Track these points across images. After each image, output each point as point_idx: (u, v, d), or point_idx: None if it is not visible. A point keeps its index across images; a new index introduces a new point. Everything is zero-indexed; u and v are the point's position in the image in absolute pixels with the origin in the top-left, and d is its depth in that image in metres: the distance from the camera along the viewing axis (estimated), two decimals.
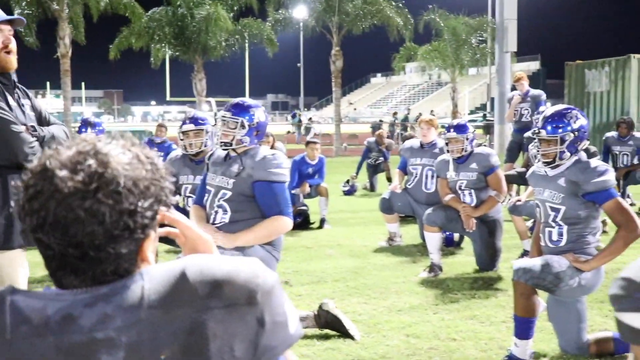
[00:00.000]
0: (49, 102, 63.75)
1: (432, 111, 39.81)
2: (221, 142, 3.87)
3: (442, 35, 28.58)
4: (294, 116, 47.87)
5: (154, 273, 1.07)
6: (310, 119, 29.57)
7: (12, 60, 2.83)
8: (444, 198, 6.15)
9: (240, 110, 3.91)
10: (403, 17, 25.75)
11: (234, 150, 3.88)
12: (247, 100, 4.04)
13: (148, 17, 24.96)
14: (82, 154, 1.04)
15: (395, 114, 33.34)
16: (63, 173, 1.02)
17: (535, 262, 3.76)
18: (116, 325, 1.02)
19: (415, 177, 7.02)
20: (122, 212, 1.03)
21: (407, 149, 7.24)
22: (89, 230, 1.01)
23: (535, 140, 4.02)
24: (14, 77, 2.90)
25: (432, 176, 6.83)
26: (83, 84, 77.68)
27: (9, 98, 2.80)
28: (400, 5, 25.84)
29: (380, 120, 29.79)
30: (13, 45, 2.82)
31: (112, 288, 1.05)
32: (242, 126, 3.84)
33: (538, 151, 3.99)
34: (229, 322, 1.06)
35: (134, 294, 1.04)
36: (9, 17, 2.78)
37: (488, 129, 24.66)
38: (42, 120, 2.97)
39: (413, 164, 7.09)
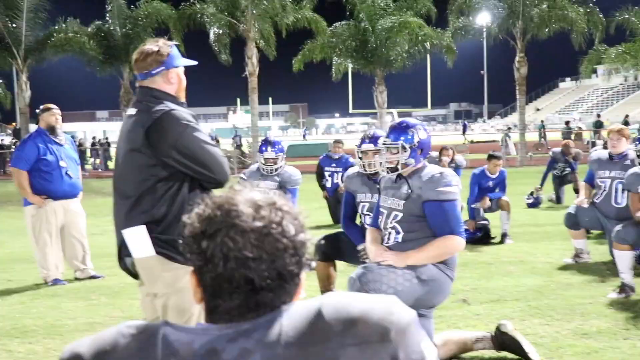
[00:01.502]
0: (240, 117, 67.38)
1: (626, 116, 37.19)
2: (387, 168, 3.89)
3: (637, 34, 26.65)
4: (464, 129, 46.84)
5: (292, 310, 1.11)
6: (501, 130, 28.64)
7: None
8: (636, 214, 5.71)
9: (399, 133, 3.91)
10: (594, 18, 24.37)
11: (400, 174, 3.88)
12: (406, 120, 4.03)
13: (331, 32, 25.74)
14: (257, 193, 1.15)
15: (598, 116, 31.08)
16: (251, 211, 1.11)
17: None
18: None
19: (604, 190, 6.62)
20: (302, 239, 1.13)
21: (595, 161, 6.84)
22: (288, 257, 1.10)
23: None
24: None
25: (623, 190, 6.40)
26: (270, 99, 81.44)
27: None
28: (591, 5, 24.52)
29: (568, 126, 28.12)
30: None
31: (253, 324, 1.10)
32: (404, 149, 3.84)
33: None
34: None
35: (274, 330, 1.09)
36: (191, 63, 3.10)
37: None
38: None
39: (601, 176, 6.69)
